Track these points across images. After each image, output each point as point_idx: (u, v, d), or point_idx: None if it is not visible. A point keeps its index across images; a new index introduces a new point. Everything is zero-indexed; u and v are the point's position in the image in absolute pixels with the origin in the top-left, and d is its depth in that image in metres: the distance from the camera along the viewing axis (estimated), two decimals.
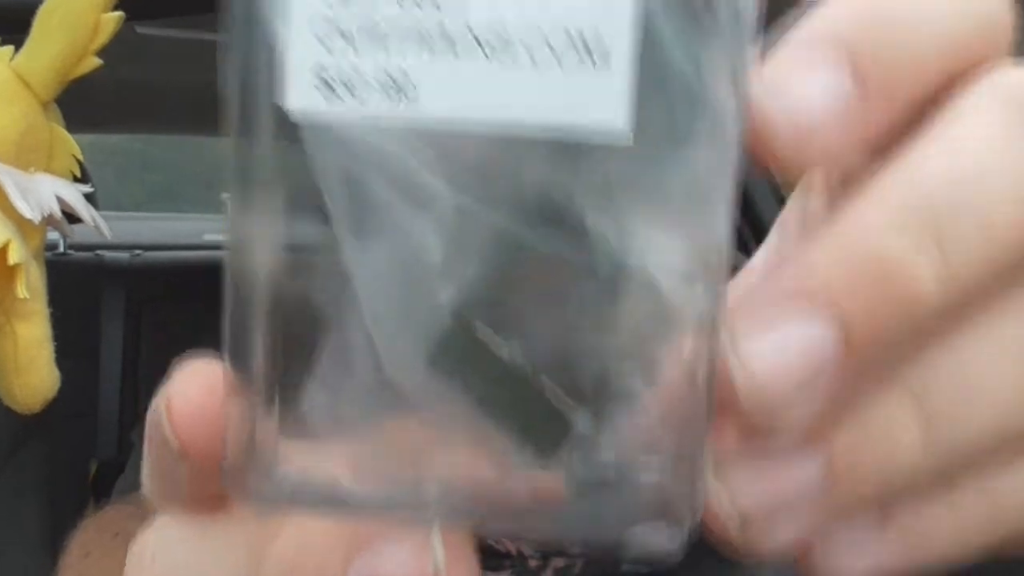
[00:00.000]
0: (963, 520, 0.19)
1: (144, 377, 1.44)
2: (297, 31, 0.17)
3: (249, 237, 0.18)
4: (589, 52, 0.16)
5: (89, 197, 0.75)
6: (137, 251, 1.65)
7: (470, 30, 0.17)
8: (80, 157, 0.78)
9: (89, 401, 1.40)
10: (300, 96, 0.17)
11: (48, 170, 0.73)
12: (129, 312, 1.51)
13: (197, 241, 1.94)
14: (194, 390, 0.20)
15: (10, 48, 0.73)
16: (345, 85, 0.17)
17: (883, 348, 0.17)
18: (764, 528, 0.19)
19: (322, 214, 0.18)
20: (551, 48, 0.16)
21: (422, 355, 0.18)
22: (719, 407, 0.18)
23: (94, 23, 0.71)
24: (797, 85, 0.17)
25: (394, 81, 0.17)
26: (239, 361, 0.19)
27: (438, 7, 0.17)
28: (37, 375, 0.73)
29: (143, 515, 0.22)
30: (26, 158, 0.71)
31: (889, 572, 0.19)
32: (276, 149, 0.18)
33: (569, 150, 0.17)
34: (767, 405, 0.17)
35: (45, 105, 0.73)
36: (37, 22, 0.71)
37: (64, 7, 0.71)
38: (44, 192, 0.70)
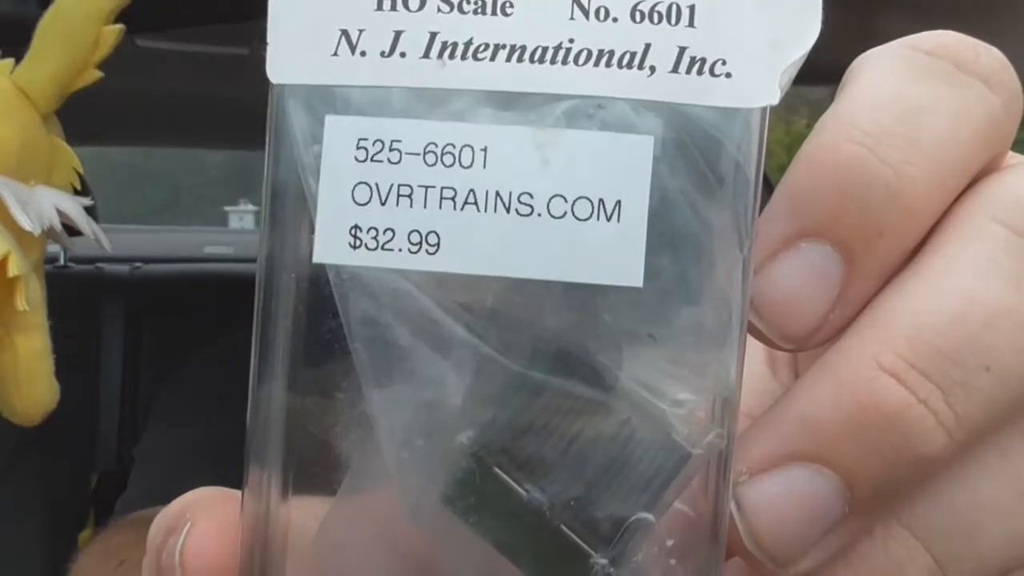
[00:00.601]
0: None
1: (144, 389, 1.43)
2: (328, 187, 0.18)
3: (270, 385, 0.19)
4: (606, 211, 0.17)
5: (89, 210, 0.75)
6: (137, 264, 1.65)
7: (495, 190, 0.17)
8: (80, 170, 0.78)
9: (89, 413, 1.40)
10: (328, 246, 0.18)
11: (48, 183, 0.73)
12: (129, 324, 1.51)
13: (197, 254, 1.94)
14: (210, 540, 0.20)
15: (10, 61, 0.73)
16: (372, 237, 0.18)
17: (889, 497, 0.17)
18: None
19: (344, 355, 0.18)
20: (571, 208, 0.17)
21: (440, 497, 0.18)
22: (729, 546, 0.18)
23: (95, 36, 0.71)
24: (781, 267, 0.18)
25: (420, 235, 0.18)
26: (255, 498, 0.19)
27: (464, 167, 0.17)
28: (37, 387, 0.73)
29: (145, 542, 0.22)
30: (26, 171, 0.71)
31: None
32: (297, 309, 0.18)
33: (584, 299, 0.18)
34: (770, 554, 0.17)
35: (45, 117, 0.73)
36: (37, 35, 0.71)
37: (65, 20, 0.71)
38: (44, 204, 0.69)
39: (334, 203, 0.18)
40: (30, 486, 1.09)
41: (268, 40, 0.18)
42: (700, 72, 0.18)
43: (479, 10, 0.18)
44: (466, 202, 0.17)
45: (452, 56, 0.18)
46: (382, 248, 0.18)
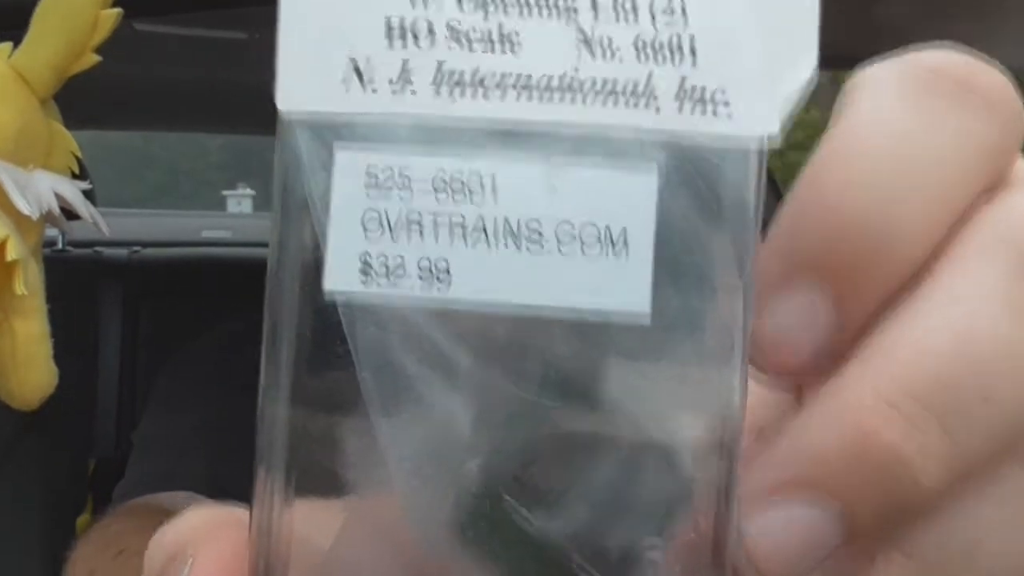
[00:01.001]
0: None
1: (142, 373, 1.43)
2: (338, 217, 0.18)
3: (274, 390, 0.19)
4: (613, 243, 0.18)
5: (88, 194, 0.75)
6: (135, 248, 1.64)
7: (505, 222, 0.18)
8: (78, 154, 0.78)
9: (87, 398, 1.40)
10: (338, 278, 0.18)
11: (46, 167, 0.73)
12: (127, 308, 1.51)
13: (195, 238, 1.93)
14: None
15: (8, 45, 0.72)
16: (382, 270, 0.18)
17: (888, 526, 0.17)
18: None
19: (353, 384, 0.18)
20: (580, 240, 0.18)
21: (450, 526, 0.18)
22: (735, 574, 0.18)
23: (93, 20, 0.71)
24: (774, 304, 0.18)
25: (430, 267, 0.18)
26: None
27: (473, 200, 0.18)
28: (35, 372, 0.73)
29: (145, 529, 0.22)
30: (24, 155, 0.71)
31: None
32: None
33: (591, 329, 0.18)
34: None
35: (43, 102, 0.73)
36: (35, 19, 0.71)
37: (63, 4, 0.70)
38: (42, 188, 0.69)
39: (344, 233, 0.18)
40: (28, 470, 1.09)
41: (277, 67, 0.18)
42: (701, 102, 0.18)
43: (487, 43, 0.18)
44: (476, 232, 0.18)
45: (461, 88, 0.18)
46: (392, 278, 0.18)
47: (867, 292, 0.18)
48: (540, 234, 0.18)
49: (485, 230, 0.18)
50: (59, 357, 0.74)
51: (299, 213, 0.18)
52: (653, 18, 0.18)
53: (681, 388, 0.18)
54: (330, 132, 0.18)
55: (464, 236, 0.18)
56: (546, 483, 0.18)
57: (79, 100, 0.73)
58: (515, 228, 0.18)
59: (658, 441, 0.18)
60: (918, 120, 0.18)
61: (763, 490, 0.18)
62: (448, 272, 0.18)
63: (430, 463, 0.18)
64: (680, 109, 0.18)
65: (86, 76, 0.73)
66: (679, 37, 0.18)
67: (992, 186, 0.19)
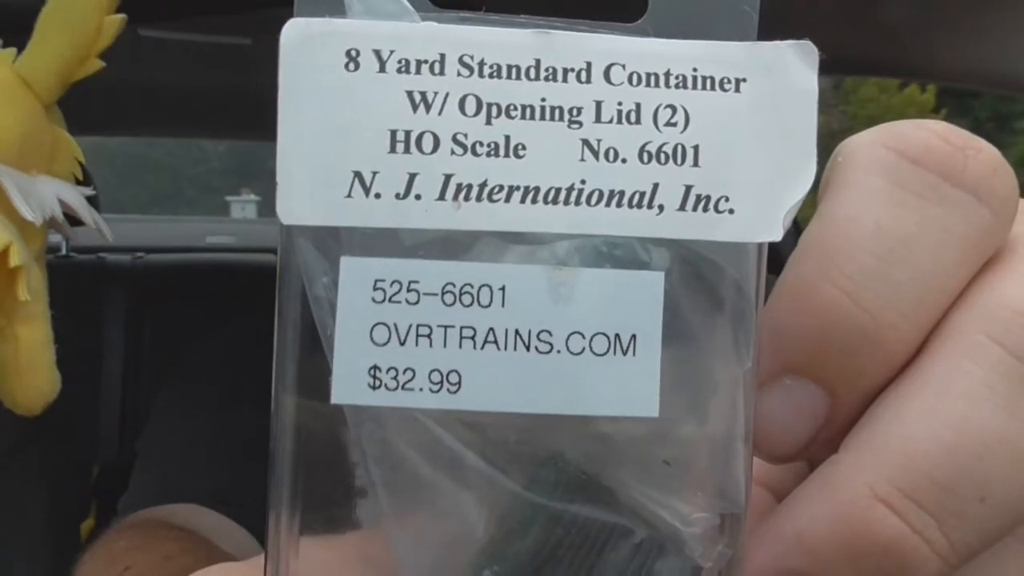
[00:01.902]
0: None
1: (146, 379, 1.43)
2: (344, 325, 0.18)
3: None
4: (622, 346, 0.18)
5: (91, 199, 0.75)
6: (139, 254, 1.65)
7: (515, 328, 0.18)
8: (82, 159, 0.78)
9: (91, 404, 1.40)
10: (346, 387, 0.18)
11: (50, 172, 0.73)
12: (131, 314, 1.51)
13: (199, 243, 1.94)
14: None
15: (12, 50, 0.72)
16: (392, 378, 0.18)
17: None
18: None
19: (362, 488, 0.18)
20: (589, 344, 0.18)
21: None
22: None
23: (97, 25, 0.71)
24: (766, 399, 0.18)
25: (441, 375, 0.18)
26: None
27: (483, 306, 0.18)
28: (38, 378, 0.73)
29: (150, 547, 0.22)
30: (28, 160, 0.71)
31: None
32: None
33: (601, 430, 0.18)
34: None
35: (47, 107, 0.73)
36: (39, 24, 0.71)
37: (67, 9, 0.71)
38: (46, 194, 0.69)
39: (351, 344, 0.18)
40: (32, 476, 1.09)
41: (278, 180, 0.18)
42: (706, 209, 0.19)
43: (492, 152, 0.18)
44: (486, 341, 0.18)
45: (467, 198, 0.18)
46: (402, 388, 0.18)
47: (857, 386, 0.18)
48: (551, 342, 0.18)
49: (496, 339, 0.18)
50: (62, 363, 0.74)
51: (297, 321, 0.18)
52: (656, 125, 0.18)
53: (690, 480, 0.18)
54: (331, 239, 0.18)
55: (475, 345, 0.18)
56: None
57: (83, 105, 0.73)
58: (525, 337, 0.18)
59: (667, 533, 0.18)
60: (902, 219, 0.18)
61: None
62: (459, 381, 0.18)
63: (443, 566, 0.19)
64: (685, 216, 0.18)
65: (90, 82, 0.73)
66: (683, 145, 0.19)
67: (985, 262, 0.19)
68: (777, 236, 0.18)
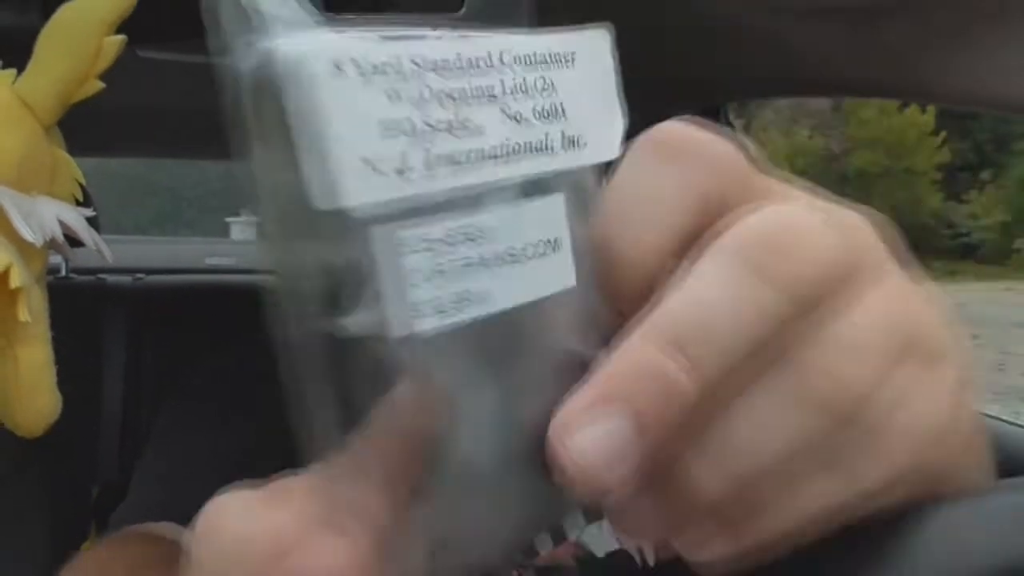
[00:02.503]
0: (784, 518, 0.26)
1: (147, 400, 1.43)
2: (386, 278, 0.23)
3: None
4: (555, 248, 0.26)
5: (91, 221, 0.75)
6: (139, 275, 1.64)
7: (495, 253, 0.25)
8: (82, 180, 0.79)
9: (91, 424, 1.39)
10: (401, 325, 0.23)
11: (50, 193, 0.73)
12: (131, 335, 1.50)
13: (199, 265, 1.93)
14: None
15: (12, 71, 0.73)
16: (432, 311, 0.24)
17: (671, 427, 0.24)
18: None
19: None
20: (540, 252, 0.26)
21: None
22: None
23: (96, 47, 0.71)
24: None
25: (459, 297, 0.24)
26: None
27: (475, 244, 0.25)
28: (39, 399, 0.73)
29: (147, 561, 0.23)
30: (28, 181, 0.71)
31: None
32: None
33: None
34: (590, 480, 0.24)
35: (47, 128, 0.74)
36: (39, 46, 0.71)
37: (66, 31, 0.71)
38: (46, 215, 0.70)
39: (395, 289, 0.23)
40: (31, 497, 1.09)
41: (304, 174, 0.23)
42: (575, 146, 0.27)
43: (450, 128, 0.24)
44: (481, 264, 0.25)
45: (443, 164, 0.24)
46: (440, 315, 0.24)
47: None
48: (515, 254, 0.26)
49: (485, 262, 0.25)
50: (63, 384, 0.74)
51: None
52: (539, 93, 0.26)
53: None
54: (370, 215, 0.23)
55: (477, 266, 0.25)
56: None
57: (83, 127, 0.73)
58: (503, 254, 0.25)
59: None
60: (644, 176, 0.27)
61: (580, 409, 0.24)
62: (468, 296, 0.24)
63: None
64: (566, 153, 0.27)
65: (90, 103, 0.73)
66: (555, 105, 0.27)
67: (721, 210, 0.26)
68: (616, 155, 0.27)
